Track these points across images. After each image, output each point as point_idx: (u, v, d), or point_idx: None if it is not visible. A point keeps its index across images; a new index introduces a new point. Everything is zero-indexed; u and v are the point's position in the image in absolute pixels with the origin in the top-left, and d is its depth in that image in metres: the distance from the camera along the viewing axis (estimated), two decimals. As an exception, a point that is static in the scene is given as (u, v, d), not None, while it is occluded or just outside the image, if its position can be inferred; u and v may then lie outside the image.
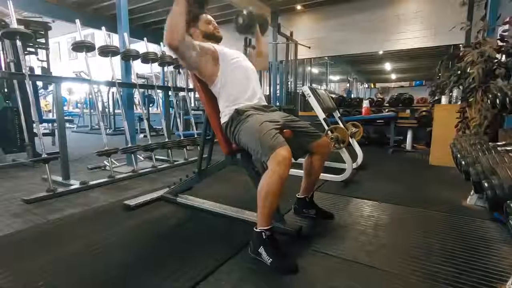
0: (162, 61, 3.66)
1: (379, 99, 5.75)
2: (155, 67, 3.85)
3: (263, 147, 1.37)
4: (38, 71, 3.87)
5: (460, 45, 4.77)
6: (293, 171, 3.04)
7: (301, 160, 1.77)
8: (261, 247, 1.35)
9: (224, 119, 1.66)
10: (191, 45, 1.55)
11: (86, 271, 1.31)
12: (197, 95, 7.01)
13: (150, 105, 8.33)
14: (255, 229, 1.39)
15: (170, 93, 4.16)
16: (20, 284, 1.22)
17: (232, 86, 1.66)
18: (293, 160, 1.39)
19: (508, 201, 0.96)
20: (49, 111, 9.04)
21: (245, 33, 1.93)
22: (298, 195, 1.88)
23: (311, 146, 1.67)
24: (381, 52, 6.90)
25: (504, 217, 1.32)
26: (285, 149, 1.33)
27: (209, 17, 1.83)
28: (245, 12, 1.84)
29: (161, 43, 4.34)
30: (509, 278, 1.16)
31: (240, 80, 1.69)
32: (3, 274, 1.28)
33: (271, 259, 1.32)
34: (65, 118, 3.20)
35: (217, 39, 1.83)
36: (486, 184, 1.06)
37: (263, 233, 1.36)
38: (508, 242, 1.56)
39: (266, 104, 1.75)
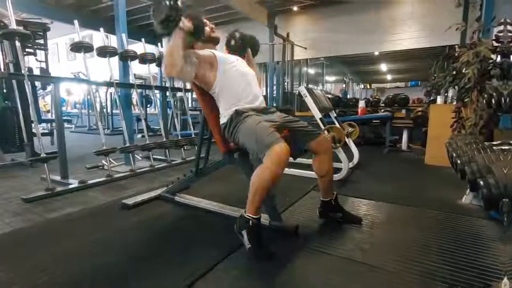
0: (160, 61, 3.67)
1: (375, 99, 5.77)
2: (153, 68, 3.85)
3: (260, 145, 1.39)
4: (36, 72, 3.86)
5: (456, 46, 4.80)
6: (293, 171, 3.02)
7: (301, 160, 1.77)
8: (245, 230, 1.40)
9: (223, 120, 1.67)
10: (189, 62, 1.57)
11: (85, 269, 1.32)
12: (194, 95, 7.02)
13: (148, 105, 8.32)
14: (243, 213, 1.43)
15: (167, 93, 4.18)
16: (20, 281, 1.22)
17: (232, 90, 1.67)
18: (292, 160, 1.40)
19: (503, 199, 0.98)
20: (48, 111, 8.98)
21: (236, 54, 1.94)
22: (322, 198, 1.81)
23: (309, 145, 1.67)
24: (376, 53, 6.93)
25: (499, 215, 1.33)
26: (281, 146, 1.34)
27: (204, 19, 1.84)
28: (237, 34, 1.95)
29: (159, 44, 4.35)
30: (504, 276, 1.17)
31: (239, 84, 1.70)
32: (3, 272, 1.28)
33: (250, 245, 1.38)
34: (64, 118, 3.20)
35: (214, 41, 1.83)
36: (481, 182, 1.07)
37: (250, 220, 1.40)
38: (503, 240, 1.58)
39: (266, 106, 1.77)
